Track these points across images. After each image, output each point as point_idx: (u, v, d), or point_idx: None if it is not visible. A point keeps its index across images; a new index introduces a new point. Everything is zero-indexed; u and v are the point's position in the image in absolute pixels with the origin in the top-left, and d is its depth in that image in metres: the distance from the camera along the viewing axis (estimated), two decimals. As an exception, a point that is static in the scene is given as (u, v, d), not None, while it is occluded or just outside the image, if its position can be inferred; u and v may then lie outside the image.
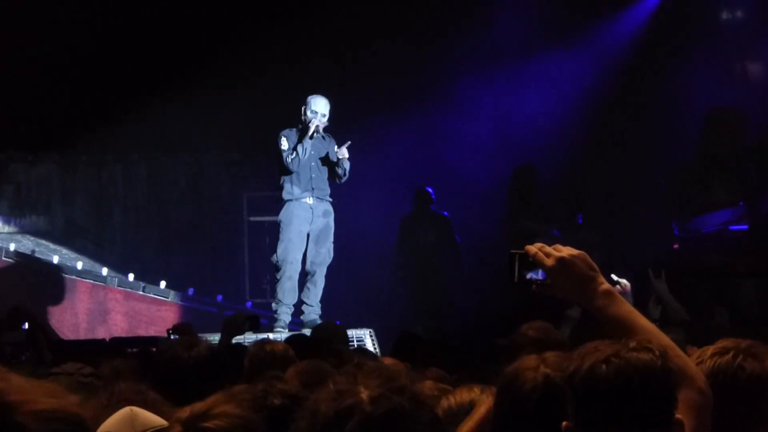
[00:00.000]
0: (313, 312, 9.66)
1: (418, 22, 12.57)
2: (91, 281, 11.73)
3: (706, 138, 11.22)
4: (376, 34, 12.40)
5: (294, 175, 9.64)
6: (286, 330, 9.41)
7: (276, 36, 12.26)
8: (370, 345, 9.15)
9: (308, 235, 9.70)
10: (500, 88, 12.72)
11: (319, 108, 9.65)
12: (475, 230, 11.91)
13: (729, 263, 10.12)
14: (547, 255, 2.64)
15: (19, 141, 12.41)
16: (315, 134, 9.56)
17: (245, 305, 12.20)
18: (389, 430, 1.99)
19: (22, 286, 11.46)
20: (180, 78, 11.89)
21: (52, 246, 12.47)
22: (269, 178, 10.60)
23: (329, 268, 9.83)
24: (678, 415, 2.32)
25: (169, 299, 11.77)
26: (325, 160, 9.71)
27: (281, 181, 9.75)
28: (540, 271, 2.67)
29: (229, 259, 12.93)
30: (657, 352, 2.32)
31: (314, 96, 9.72)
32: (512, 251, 2.72)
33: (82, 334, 11.20)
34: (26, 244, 12.34)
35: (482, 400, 2.99)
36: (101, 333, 11.14)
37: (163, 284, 11.88)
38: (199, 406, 2.54)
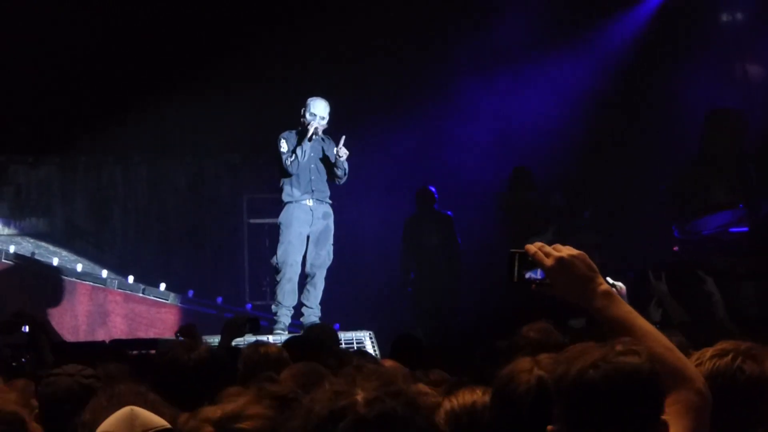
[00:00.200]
0: (312, 314, 9.65)
1: (418, 23, 12.57)
2: (91, 283, 11.72)
3: (706, 139, 11.21)
4: (377, 37, 12.40)
5: (293, 178, 9.63)
6: (286, 332, 9.40)
7: (277, 38, 12.26)
8: (370, 347, 9.14)
9: (308, 237, 9.70)
10: (501, 89, 12.71)
11: (318, 111, 9.64)
12: (475, 231, 11.90)
13: (729, 265, 10.11)
14: (547, 255, 2.64)
15: (19, 143, 12.40)
16: (314, 136, 9.56)
17: (245, 307, 12.19)
18: None
19: (22, 288, 11.46)
20: (180, 80, 11.89)
21: (51, 248, 12.46)
22: (269, 180, 10.59)
23: (329, 270, 9.82)
24: (664, 417, 2.33)
25: (168, 301, 11.77)
26: (325, 162, 9.71)
27: (281, 184, 9.75)
28: (539, 271, 2.67)
29: (229, 261, 12.93)
30: (644, 356, 2.33)
31: (314, 98, 9.71)
32: (512, 250, 2.72)
33: (82, 337, 11.19)
34: (26, 246, 12.33)
35: None
36: (101, 335, 11.13)
37: (162, 286, 11.88)
38: (230, 407, 2.53)
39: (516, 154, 12.17)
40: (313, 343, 5.90)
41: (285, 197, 9.71)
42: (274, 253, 9.80)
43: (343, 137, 9.54)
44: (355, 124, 10.74)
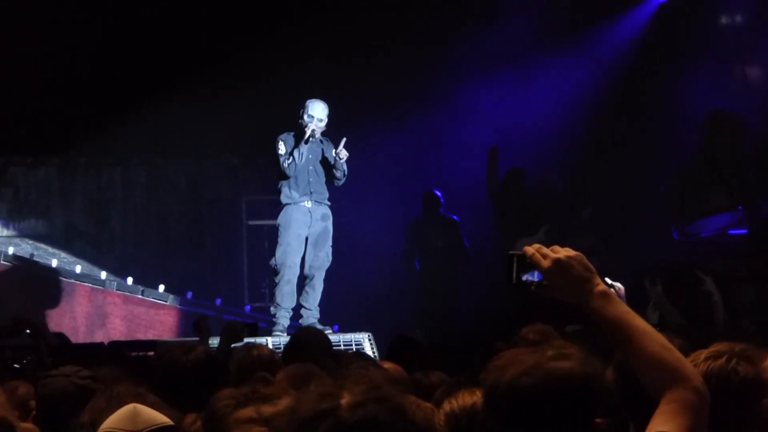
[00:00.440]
0: (311, 316, 9.65)
1: (419, 24, 12.58)
2: (90, 285, 11.72)
3: (706, 142, 11.20)
4: (377, 38, 12.40)
5: (292, 179, 9.64)
6: (285, 334, 9.40)
7: (276, 39, 12.25)
8: (368, 349, 9.13)
9: (307, 239, 9.70)
10: (501, 91, 12.71)
11: (316, 113, 9.64)
12: (476, 233, 11.90)
13: (728, 267, 10.10)
14: (544, 256, 2.64)
15: (18, 144, 12.40)
16: (311, 139, 9.55)
17: (244, 309, 12.19)
18: None
19: (21, 290, 11.45)
20: (180, 80, 11.88)
21: (50, 249, 12.46)
22: (268, 182, 10.59)
23: (328, 271, 9.82)
24: (598, 420, 2.34)
25: (167, 303, 11.77)
26: (324, 164, 9.71)
27: (279, 185, 9.75)
28: (537, 273, 2.67)
29: (227, 262, 12.93)
30: (575, 359, 2.34)
31: (312, 100, 9.71)
32: (510, 252, 2.73)
33: (81, 338, 11.18)
34: (25, 247, 12.33)
35: None
36: (100, 337, 11.13)
37: (161, 288, 11.88)
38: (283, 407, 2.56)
39: (516, 155, 12.16)
40: (300, 348, 5.89)
41: (284, 199, 9.71)
42: (273, 254, 9.80)
43: (344, 139, 9.54)
44: (355, 125, 10.74)
